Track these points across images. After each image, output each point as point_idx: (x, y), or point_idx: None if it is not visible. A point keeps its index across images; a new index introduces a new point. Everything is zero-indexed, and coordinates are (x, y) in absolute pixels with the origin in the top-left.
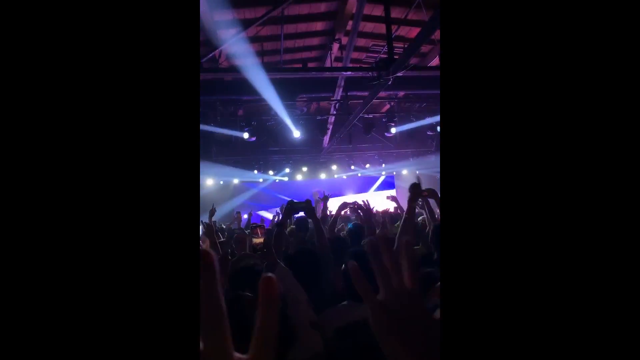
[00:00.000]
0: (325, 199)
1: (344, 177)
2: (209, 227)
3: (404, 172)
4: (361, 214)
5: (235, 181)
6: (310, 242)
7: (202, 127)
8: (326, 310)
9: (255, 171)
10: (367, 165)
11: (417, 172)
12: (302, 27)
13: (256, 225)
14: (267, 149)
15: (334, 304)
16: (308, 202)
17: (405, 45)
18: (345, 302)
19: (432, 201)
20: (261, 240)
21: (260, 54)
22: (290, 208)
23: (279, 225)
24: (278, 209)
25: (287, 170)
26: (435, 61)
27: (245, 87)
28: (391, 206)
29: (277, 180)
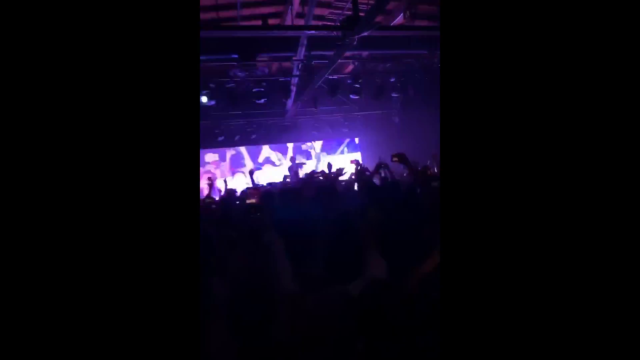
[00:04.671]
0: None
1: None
2: None
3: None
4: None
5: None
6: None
7: None
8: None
9: (220, 138)
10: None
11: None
12: None
13: (254, 188)
14: (228, 113)
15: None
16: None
17: (371, 1)
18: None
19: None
20: (253, 201)
21: (215, 8)
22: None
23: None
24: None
25: (253, 136)
26: (400, 19)
27: (200, 46)
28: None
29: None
